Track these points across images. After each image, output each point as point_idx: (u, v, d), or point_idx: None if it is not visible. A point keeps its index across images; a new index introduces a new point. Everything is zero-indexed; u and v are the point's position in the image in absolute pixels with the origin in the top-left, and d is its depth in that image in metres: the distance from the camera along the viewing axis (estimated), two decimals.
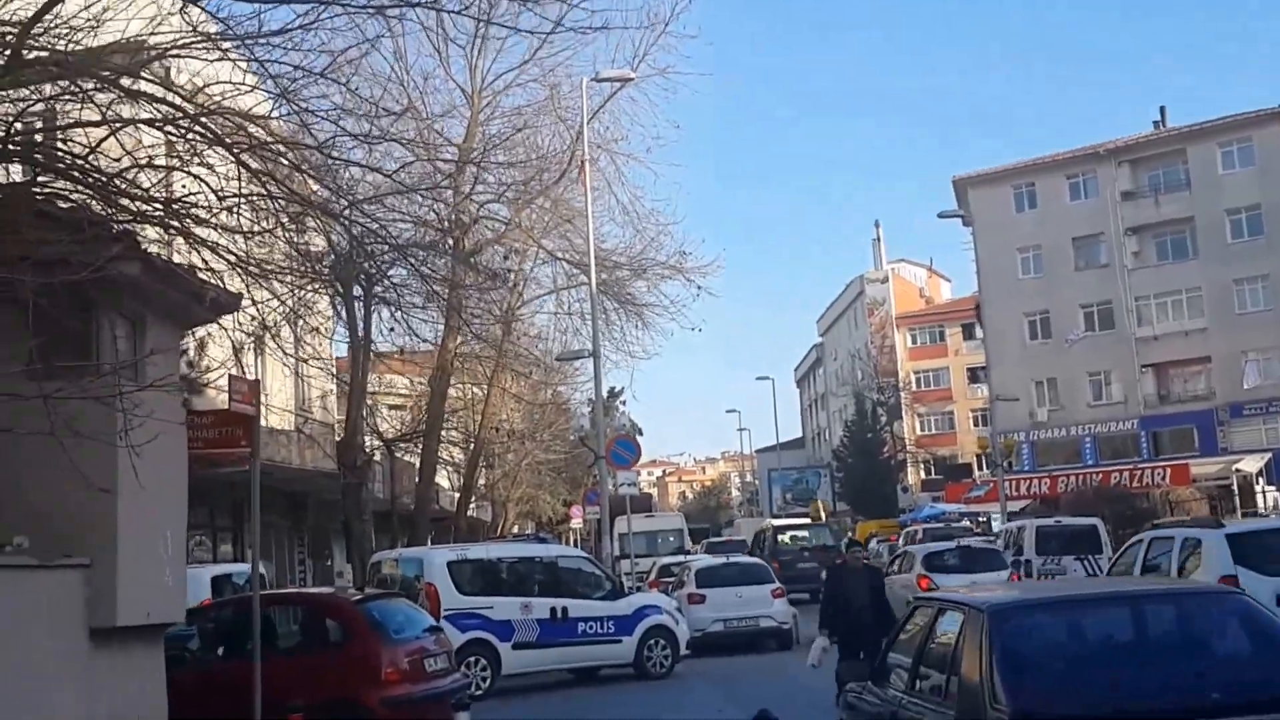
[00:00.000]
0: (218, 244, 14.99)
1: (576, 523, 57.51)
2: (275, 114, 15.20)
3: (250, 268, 17.07)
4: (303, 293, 28.15)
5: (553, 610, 21.32)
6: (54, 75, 12.44)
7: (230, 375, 14.70)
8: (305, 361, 36.04)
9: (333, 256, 26.72)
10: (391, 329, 29.01)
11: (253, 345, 33.49)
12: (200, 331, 26.76)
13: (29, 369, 11.66)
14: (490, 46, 32.44)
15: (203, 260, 14.19)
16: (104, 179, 12.74)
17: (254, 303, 25.37)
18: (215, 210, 13.55)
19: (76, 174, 12.94)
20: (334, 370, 32.77)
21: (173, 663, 15.12)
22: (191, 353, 26.16)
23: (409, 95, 29.88)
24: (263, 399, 34.34)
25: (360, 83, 22.47)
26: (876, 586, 15.95)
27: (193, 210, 13.49)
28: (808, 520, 55.01)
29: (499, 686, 20.76)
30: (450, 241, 30.16)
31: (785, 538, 42.31)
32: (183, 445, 13.78)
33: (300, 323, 30.14)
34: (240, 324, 22.63)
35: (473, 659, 20.47)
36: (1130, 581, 14.14)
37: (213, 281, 14.11)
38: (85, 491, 11.80)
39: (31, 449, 11.31)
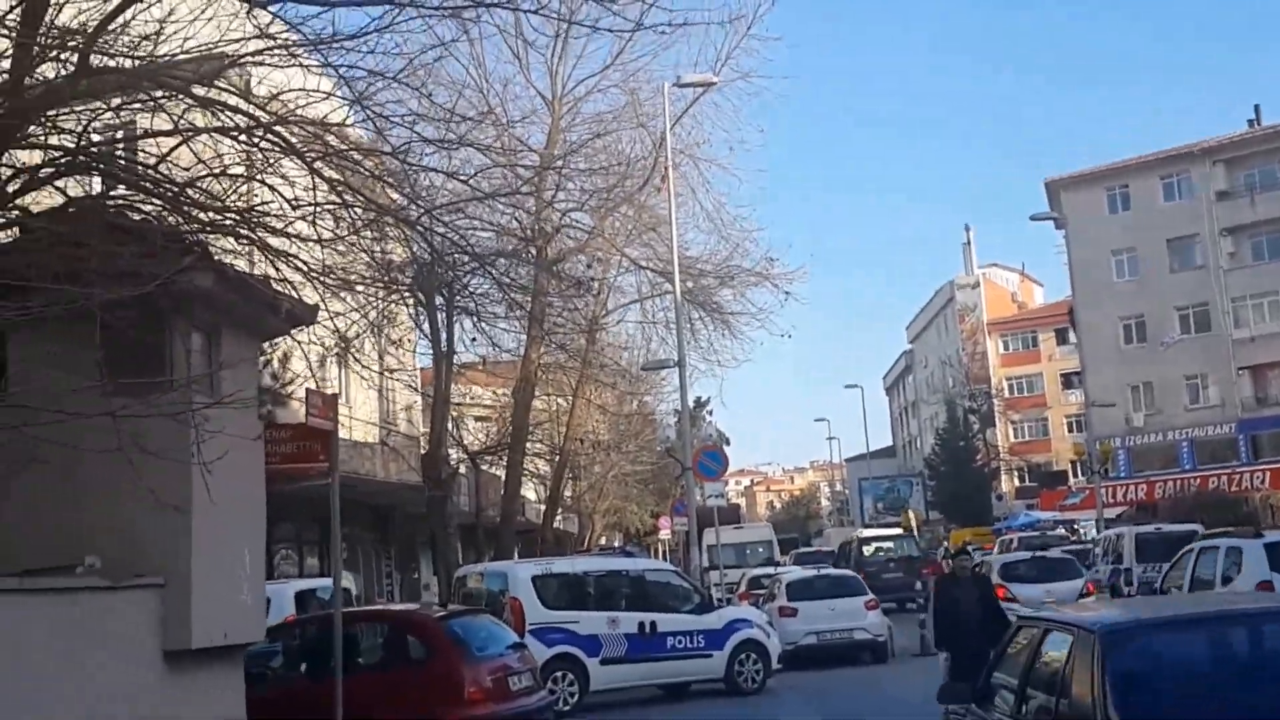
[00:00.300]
0: (294, 255, 14.78)
1: (664, 534, 56.96)
2: (350, 121, 14.91)
3: (329, 279, 16.91)
4: (384, 304, 28.07)
5: (641, 624, 20.83)
6: (123, 84, 12.23)
7: (307, 389, 14.41)
8: (389, 374, 35.98)
9: (414, 267, 26.55)
10: (474, 339, 28.76)
11: (336, 358, 33.51)
12: (283, 345, 26.75)
13: (98, 384, 11.45)
14: (570, 52, 32.19)
15: (278, 271, 13.94)
16: (175, 189, 12.50)
17: (335, 315, 25.35)
18: (289, 220, 13.29)
19: (147, 185, 12.73)
20: (418, 383, 32.58)
21: (255, 681, 14.86)
22: (275, 366, 26.09)
23: (488, 102, 29.69)
24: (346, 412, 34.38)
25: (438, 90, 22.35)
26: (987, 596, 15.15)
27: (266, 219, 13.24)
28: (898, 530, 54.08)
29: (586, 703, 20.32)
30: (533, 250, 29.84)
31: (870, 549, 42.63)
32: (259, 461, 13.47)
33: (383, 335, 30.08)
34: (320, 337, 22.57)
35: (559, 675, 20.06)
36: (1243, 599, 13.63)
37: (288, 293, 13.84)
38: (158, 510, 11.55)
39: (103, 467, 11.04)
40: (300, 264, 14.61)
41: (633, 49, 31.52)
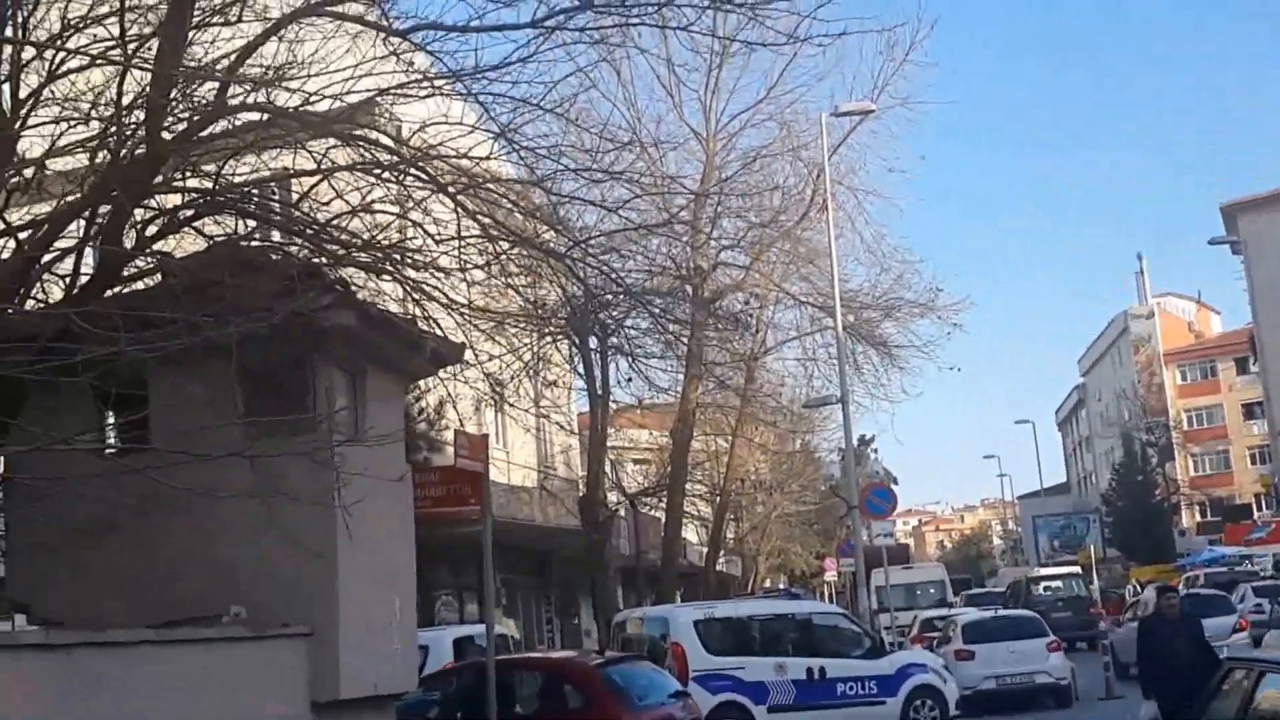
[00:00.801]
0: (442, 293, 14.40)
1: (831, 576, 55.71)
2: (496, 154, 14.48)
3: (479, 317, 16.52)
4: (538, 345, 27.76)
5: (809, 670, 19.97)
6: (265, 120, 11.98)
7: (455, 430, 13.97)
8: (546, 417, 35.75)
9: (567, 307, 26.20)
10: (629, 379, 28.21)
11: (492, 402, 33.32)
12: (438, 390, 26.58)
13: (239, 423, 11.14)
14: (723, 86, 31.63)
15: (423, 311, 13.56)
16: (316, 227, 12.21)
17: (488, 358, 25.09)
18: (434, 255, 12.91)
19: (289, 223, 12.46)
20: (575, 426, 32.19)
21: None
22: (429, 411, 25.91)
23: (639, 140, 29.28)
24: (504, 456, 34.19)
25: (589, 130, 21.98)
26: (1197, 636, 13.52)
27: (411, 255, 12.87)
28: (1076, 568, 52.01)
29: None
30: (689, 288, 29.30)
31: (1039, 588, 41.76)
32: (408, 504, 13.06)
33: (539, 377, 29.77)
34: (466, 378, 22.27)
35: None
36: None
37: (433, 332, 13.44)
38: (303, 556, 11.18)
39: (244, 512, 10.73)
40: (449, 301, 14.30)
41: (786, 81, 30.94)
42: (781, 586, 36.64)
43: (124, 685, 9.09)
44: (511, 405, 30.07)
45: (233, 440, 11.02)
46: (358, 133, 12.25)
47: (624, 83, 29.71)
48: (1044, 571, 49.68)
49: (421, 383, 25.45)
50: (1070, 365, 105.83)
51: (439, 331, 13.53)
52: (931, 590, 42.24)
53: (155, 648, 9.56)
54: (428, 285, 13.89)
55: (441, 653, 19.83)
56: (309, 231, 12.14)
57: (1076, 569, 51.77)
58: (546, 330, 27.12)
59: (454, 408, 25.81)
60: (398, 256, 12.56)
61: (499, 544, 31.71)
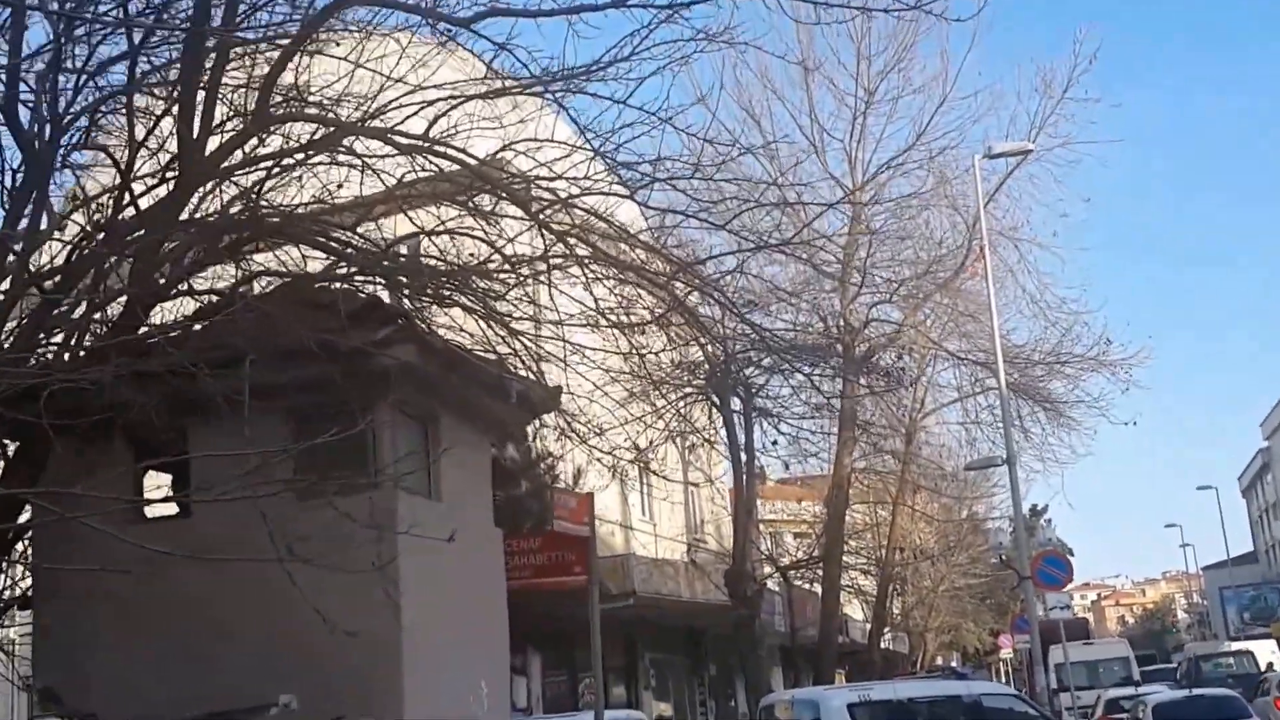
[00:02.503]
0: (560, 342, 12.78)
1: (1006, 653, 52.36)
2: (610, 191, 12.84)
3: (597, 369, 14.87)
4: (679, 407, 26.01)
5: None
6: (318, 130, 10.53)
7: (554, 489, 12.18)
8: (695, 485, 33.87)
9: (706, 367, 24.46)
10: (774, 442, 26.21)
11: (630, 472, 31.60)
12: (574, 456, 24.96)
13: (292, 483, 9.60)
14: (869, 135, 29.68)
15: (524, 360, 11.94)
16: (376, 252, 10.67)
17: (626, 420, 23.38)
18: (519, 279, 11.27)
19: (351, 252, 10.92)
20: (722, 495, 30.23)
21: None
22: (564, 477, 24.25)
23: (784, 196, 27.51)
24: (652, 529, 32.38)
25: (728, 186, 20.60)
26: None
27: (492, 283, 11.26)
28: (1270, 642, 48.14)
29: None
30: (838, 348, 27.30)
31: (1208, 665, 40.09)
32: (497, 574, 11.37)
33: (685, 442, 28.00)
34: (602, 445, 20.68)
35: None
36: None
37: (522, 373, 11.78)
38: (364, 635, 9.52)
39: (295, 585, 9.14)
40: (565, 349, 12.69)
41: (937, 126, 28.89)
42: (948, 664, 33.73)
43: None
44: (653, 473, 28.45)
45: (280, 501, 9.53)
46: (430, 146, 10.68)
47: (764, 133, 27.89)
48: (1211, 649, 46.63)
49: (555, 448, 23.95)
50: (1253, 427, 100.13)
51: (535, 376, 11.90)
52: (1115, 668, 38.61)
53: None
54: (523, 326, 12.34)
55: None
56: (377, 262, 10.60)
57: (1271, 643, 47.93)
58: (684, 391, 25.44)
59: (582, 475, 24.34)
60: (480, 287, 10.95)
61: (647, 621, 30.08)
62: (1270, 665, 39.27)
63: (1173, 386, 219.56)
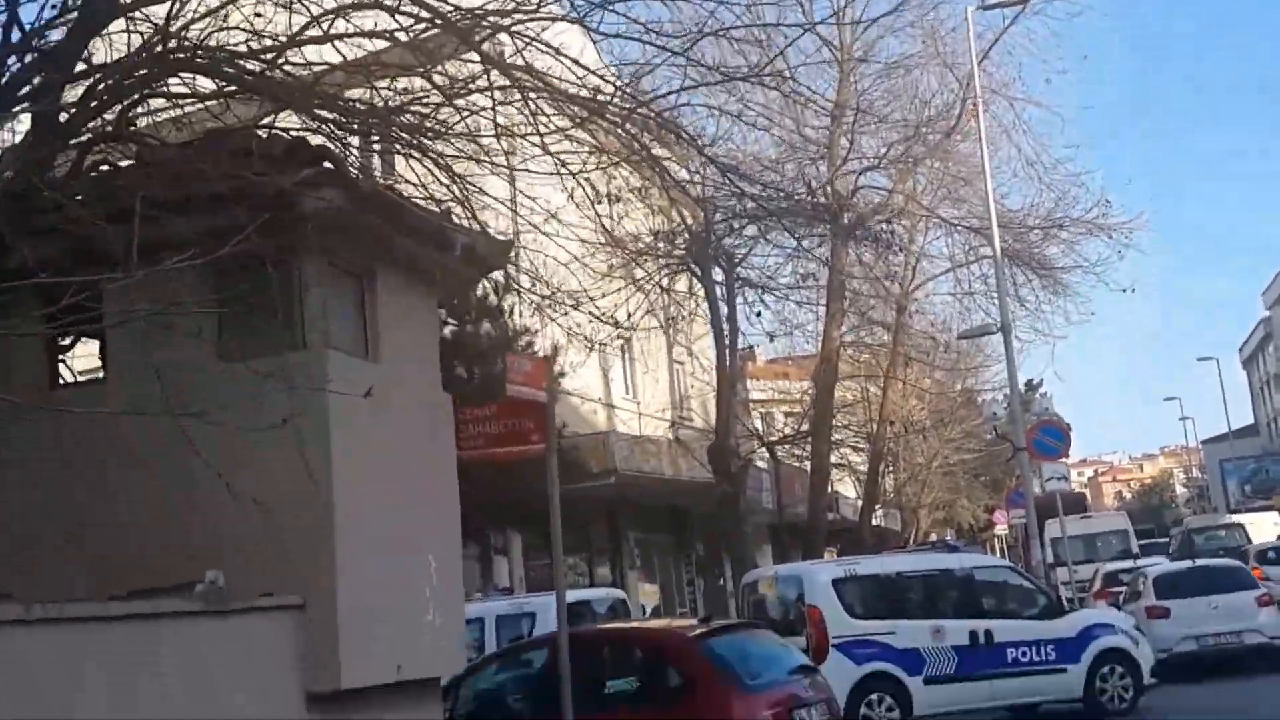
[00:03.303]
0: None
1: (1001, 529, 51.98)
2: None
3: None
4: (660, 278, 25.05)
5: (973, 634, 16.97)
6: None
7: (507, 354, 11.22)
8: (680, 364, 33.04)
9: (687, 234, 23.49)
10: (758, 313, 25.28)
11: (611, 346, 30.70)
12: (552, 332, 24.05)
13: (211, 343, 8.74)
14: None
15: (462, 201, 10.97)
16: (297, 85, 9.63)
17: (602, 294, 22.37)
18: (457, 116, 10.23)
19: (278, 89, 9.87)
20: (709, 372, 29.33)
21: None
22: (541, 353, 23.36)
23: (767, 55, 26.25)
24: (635, 408, 31.59)
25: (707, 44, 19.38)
26: None
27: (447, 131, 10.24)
28: (1274, 512, 47.78)
29: None
30: (826, 217, 26.30)
31: (1201, 539, 39.57)
32: (446, 443, 10.50)
33: (667, 315, 27.06)
34: (577, 319, 19.65)
35: (874, 698, 16.52)
36: None
37: (468, 223, 10.81)
38: (292, 507, 8.70)
39: (221, 455, 8.31)
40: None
41: None
42: (941, 539, 32.98)
43: (48, 672, 6.75)
44: (625, 336, 27.48)
45: (202, 368, 8.70)
46: None
47: None
48: (1207, 523, 46.28)
49: (534, 326, 23.02)
50: (1253, 297, 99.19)
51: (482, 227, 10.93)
52: (1113, 541, 37.97)
53: (95, 626, 7.16)
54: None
55: (550, 622, 17.32)
56: (297, 93, 9.55)
57: (1273, 515, 47.51)
58: (664, 261, 24.49)
59: (560, 351, 23.43)
60: (415, 122, 9.91)
61: (630, 500, 29.43)
62: None
63: (1175, 254, 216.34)
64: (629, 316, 24.25)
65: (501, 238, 10.82)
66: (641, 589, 30.59)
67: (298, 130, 10.03)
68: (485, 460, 12.35)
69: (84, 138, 9.34)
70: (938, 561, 18.67)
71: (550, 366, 11.25)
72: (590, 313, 16.09)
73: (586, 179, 21.20)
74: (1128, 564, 29.05)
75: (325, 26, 9.62)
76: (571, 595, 19.24)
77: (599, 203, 21.39)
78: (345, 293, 9.60)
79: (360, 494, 8.94)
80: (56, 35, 9.46)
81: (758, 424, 39.09)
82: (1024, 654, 17.02)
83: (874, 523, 39.11)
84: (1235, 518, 46.78)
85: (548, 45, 10.15)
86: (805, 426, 32.42)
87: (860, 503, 36.54)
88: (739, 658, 11.50)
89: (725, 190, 21.96)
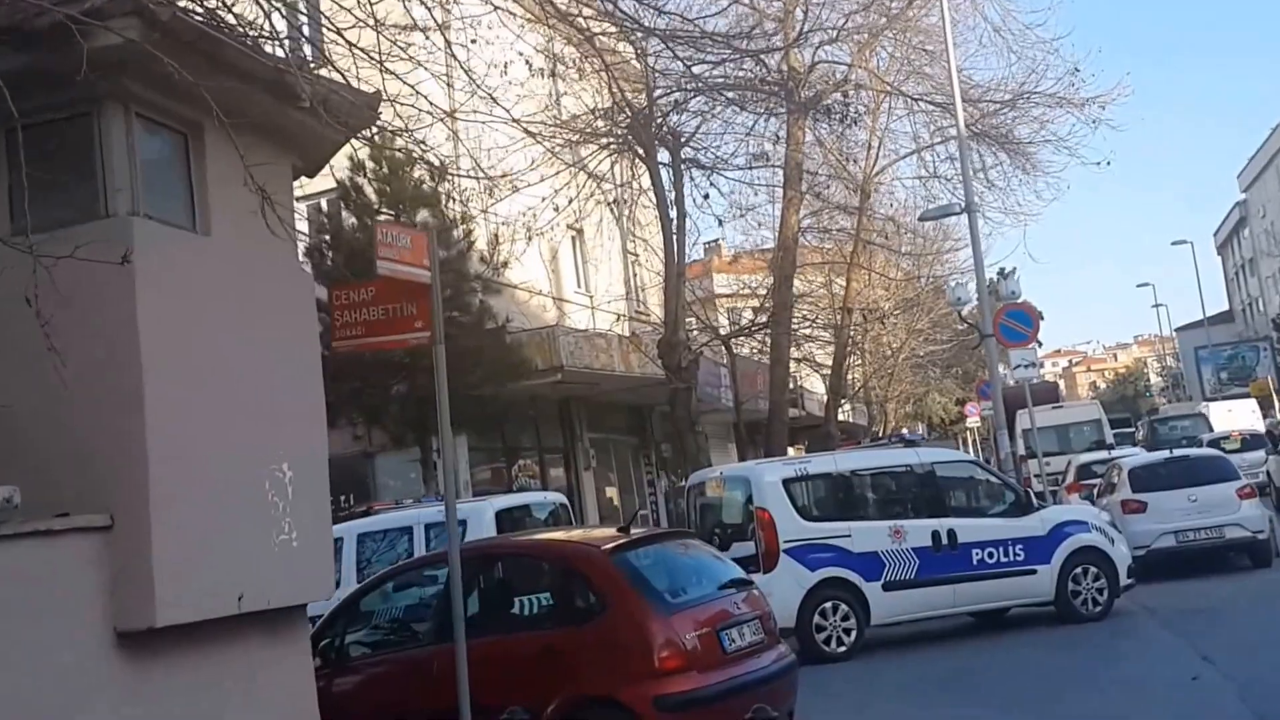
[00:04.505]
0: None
1: (973, 422, 50.75)
2: None
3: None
4: (601, 159, 23.37)
5: (935, 534, 15.72)
6: None
7: (378, 223, 9.57)
8: (635, 257, 31.44)
9: (629, 110, 21.77)
10: (706, 196, 23.67)
11: (573, 239, 29.10)
12: (491, 223, 22.46)
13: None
14: None
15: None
16: None
17: (542, 177, 20.65)
18: None
19: None
20: (657, 256, 27.76)
21: (351, 654, 10.71)
22: (480, 244, 21.82)
23: None
24: (588, 301, 30.03)
25: None
26: None
27: None
28: (1248, 400, 46.80)
29: (868, 640, 15.43)
30: (780, 94, 24.61)
31: (1164, 428, 39.25)
32: (304, 330, 8.97)
33: (609, 199, 25.45)
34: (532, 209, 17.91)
35: (828, 606, 15.32)
36: None
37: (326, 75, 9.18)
38: (91, 409, 7.22)
39: (12, 345, 6.84)
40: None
41: None
42: (901, 433, 31.59)
43: None
44: (572, 232, 25.75)
45: None
46: None
47: None
48: (1174, 412, 45.50)
49: (477, 212, 21.43)
50: (1229, 180, 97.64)
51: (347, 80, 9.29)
52: (1086, 431, 36.69)
53: None
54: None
55: (482, 529, 15.98)
56: None
57: (1251, 402, 46.51)
58: (604, 142, 22.82)
59: (500, 241, 21.88)
60: None
61: (584, 399, 28.03)
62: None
63: (1147, 132, 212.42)
64: (570, 202, 22.65)
65: (367, 89, 9.16)
66: (602, 492, 29.41)
67: None
68: (363, 352, 10.87)
69: None
70: (896, 457, 17.30)
71: (433, 240, 9.63)
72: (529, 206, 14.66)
73: (520, 55, 19.39)
74: (1101, 455, 27.79)
75: None
76: (508, 500, 17.95)
77: (534, 77, 19.86)
78: (164, 153, 8.02)
79: (182, 390, 7.44)
80: None
81: (723, 321, 37.65)
82: (990, 555, 15.80)
83: (840, 418, 37.82)
84: (1202, 406, 45.76)
85: None
86: (756, 314, 30.98)
87: (826, 398, 35.16)
88: (661, 573, 10.15)
89: (670, 62, 20.36)
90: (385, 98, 9.68)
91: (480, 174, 13.79)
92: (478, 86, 11.38)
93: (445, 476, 9.99)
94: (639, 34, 18.41)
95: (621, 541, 10.13)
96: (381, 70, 9.33)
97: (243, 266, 8.20)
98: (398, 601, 11.27)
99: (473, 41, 12.39)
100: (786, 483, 15.84)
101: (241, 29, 8.44)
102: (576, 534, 12.79)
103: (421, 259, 9.50)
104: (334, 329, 9.78)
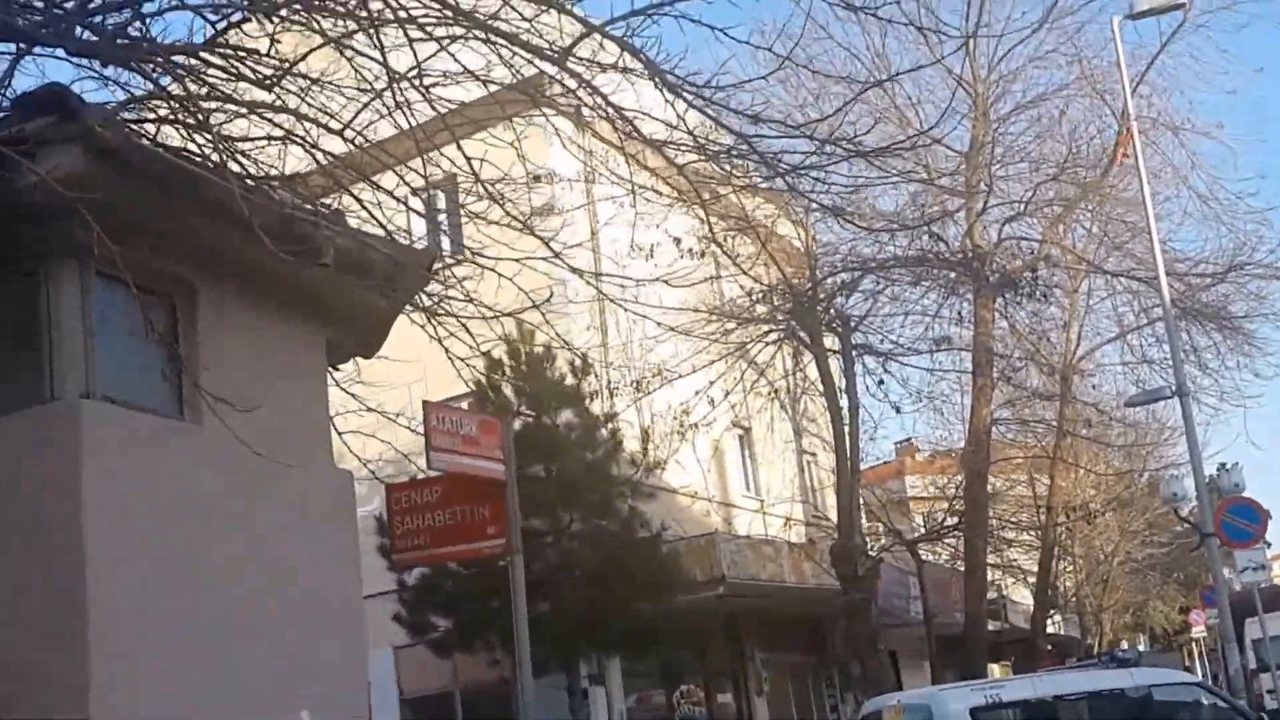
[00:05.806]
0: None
1: (1198, 631, 46.33)
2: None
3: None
4: (752, 344, 21.61)
5: None
6: None
7: (425, 402, 7.85)
8: (812, 456, 29.42)
9: (790, 294, 20.11)
10: (880, 382, 21.59)
11: (740, 437, 27.24)
12: (644, 412, 20.87)
13: None
14: (993, 19, 24.88)
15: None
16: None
17: (699, 368, 19.01)
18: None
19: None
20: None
21: None
22: (625, 441, 20.12)
23: (895, 101, 22.94)
24: (758, 505, 28.00)
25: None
26: None
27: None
28: None
29: None
30: (966, 276, 22.72)
31: None
32: (344, 544, 7.28)
33: (775, 387, 23.62)
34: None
35: None
36: None
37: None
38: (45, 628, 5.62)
39: None
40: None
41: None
42: (1116, 650, 28.24)
43: None
44: (739, 430, 23.88)
45: None
46: None
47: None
48: None
49: (624, 407, 19.87)
50: None
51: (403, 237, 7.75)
52: None
53: None
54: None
55: None
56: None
57: None
58: (764, 329, 21.09)
59: (650, 437, 20.23)
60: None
61: (755, 613, 25.75)
62: None
63: None
64: (726, 395, 20.86)
65: (419, 245, 7.61)
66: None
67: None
68: (431, 564, 9.14)
69: None
70: (1106, 680, 14.62)
71: (506, 428, 7.92)
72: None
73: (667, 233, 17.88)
74: None
75: None
76: None
77: (682, 257, 18.38)
78: (137, 321, 6.50)
79: (153, 620, 5.78)
80: None
81: (919, 525, 35.04)
82: None
83: (1050, 630, 34.51)
84: None
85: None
86: (945, 517, 28.39)
87: (1033, 608, 32.04)
88: None
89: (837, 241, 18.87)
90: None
91: (628, 365, 12.18)
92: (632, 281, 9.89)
93: (523, 710, 8.08)
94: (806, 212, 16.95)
95: None
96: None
97: (246, 464, 6.56)
98: None
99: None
100: (975, 711, 13.36)
101: (263, 174, 7.01)
102: None
103: (493, 450, 7.79)
104: (393, 539, 8.10)
